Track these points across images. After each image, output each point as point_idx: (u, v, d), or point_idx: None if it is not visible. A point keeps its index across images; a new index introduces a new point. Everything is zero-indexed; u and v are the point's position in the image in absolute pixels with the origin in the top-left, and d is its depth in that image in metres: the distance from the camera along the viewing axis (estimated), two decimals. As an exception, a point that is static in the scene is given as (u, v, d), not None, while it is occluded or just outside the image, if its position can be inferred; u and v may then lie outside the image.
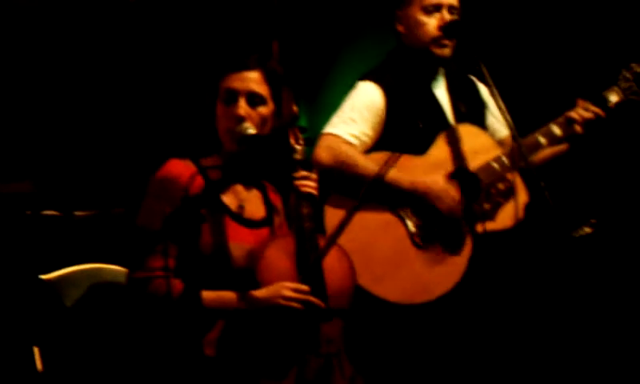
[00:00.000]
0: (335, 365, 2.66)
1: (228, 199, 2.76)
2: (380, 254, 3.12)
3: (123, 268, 2.78)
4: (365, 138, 3.24)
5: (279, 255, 2.68)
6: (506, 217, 3.22)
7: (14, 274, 3.54)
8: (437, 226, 3.18)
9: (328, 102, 3.50)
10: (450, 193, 3.17)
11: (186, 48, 4.25)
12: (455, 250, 3.17)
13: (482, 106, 3.45)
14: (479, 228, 3.18)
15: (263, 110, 2.76)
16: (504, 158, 3.23)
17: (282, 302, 2.59)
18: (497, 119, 3.43)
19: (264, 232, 2.79)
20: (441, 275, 3.13)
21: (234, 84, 2.75)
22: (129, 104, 4.19)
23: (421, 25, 3.29)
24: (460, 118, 3.32)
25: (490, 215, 3.21)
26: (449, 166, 3.22)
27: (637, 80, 3.32)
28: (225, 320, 2.64)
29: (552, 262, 3.93)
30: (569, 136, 3.29)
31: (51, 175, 3.96)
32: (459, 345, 3.19)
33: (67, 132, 4.09)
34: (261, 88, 2.77)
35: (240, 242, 2.70)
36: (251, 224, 2.78)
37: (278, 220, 2.87)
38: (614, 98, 3.32)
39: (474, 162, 3.23)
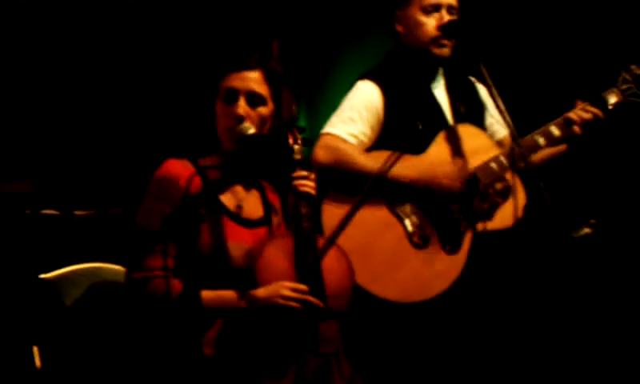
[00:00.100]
0: (334, 364, 2.66)
1: (226, 199, 2.77)
2: (378, 253, 3.13)
3: (123, 267, 2.78)
4: (363, 138, 3.25)
5: (278, 255, 2.68)
6: (503, 217, 3.23)
7: (13, 273, 3.55)
8: (435, 225, 3.19)
9: (328, 102, 3.50)
10: (456, 167, 3.18)
11: (186, 47, 4.25)
12: (453, 249, 3.18)
13: (481, 106, 3.46)
14: (477, 228, 3.19)
15: (263, 110, 2.77)
16: (502, 159, 3.23)
17: (281, 301, 2.59)
18: (496, 120, 3.43)
19: (262, 231, 2.79)
20: (438, 274, 3.14)
21: (235, 83, 2.75)
22: (128, 104, 4.19)
23: (420, 25, 3.30)
24: (459, 118, 3.33)
25: (488, 215, 3.21)
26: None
27: (636, 82, 3.32)
28: (223, 319, 2.64)
29: (551, 263, 3.93)
30: (567, 137, 3.30)
31: (51, 175, 3.96)
32: (458, 344, 3.19)
33: (67, 132, 4.09)
34: (261, 88, 2.77)
35: (238, 241, 2.71)
36: (249, 224, 2.78)
37: (277, 219, 2.87)
38: (612, 99, 3.32)
39: (473, 162, 3.23)
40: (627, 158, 3.95)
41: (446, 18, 3.28)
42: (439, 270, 3.14)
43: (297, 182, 2.76)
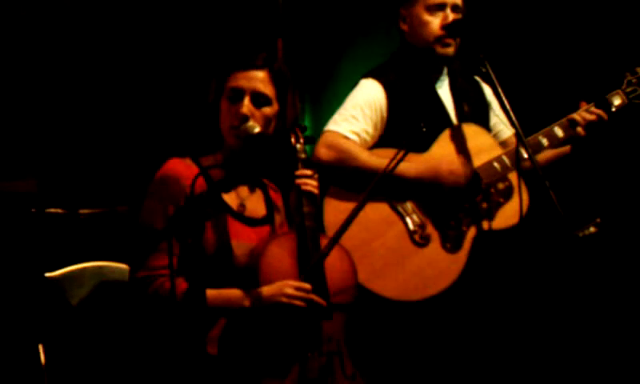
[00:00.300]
0: (337, 363, 2.66)
1: (229, 198, 2.77)
2: (378, 251, 3.13)
3: (128, 266, 2.78)
4: (366, 136, 3.25)
5: (281, 253, 2.68)
6: (505, 217, 3.23)
7: (19, 272, 3.55)
8: (436, 223, 3.18)
9: (332, 99, 3.51)
10: (460, 163, 3.18)
11: (190, 45, 4.24)
12: (454, 248, 3.18)
13: (485, 106, 3.46)
14: (479, 227, 3.19)
15: (267, 110, 2.77)
16: (505, 159, 3.23)
17: (285, 300, 2.60)
18: (500, 120, 3.43)
19: (265, 230, 2.80)
20: (439, 273, 3.14)
21: (241, 82, 2.75)
22: (132, 102, 4.19)
23: (424, 24, 3.30)
24: (463, 117, 3.33)
25: (490, 215, 3.21)
26: None
27: None
28: (227, 318, 2.65)
29: (556, 262, 3.93)
30: (571, 138, 3.29)
31: (56, 173, 3.97)
32: (460, 343, 3.20)
33: (71, 130, 4.09)
34: (266, 88, 2.77)
35: (242, 240, 2.71)
36: (252, 222, 2.78)
37: (279, 218, 2.87)
38: (617, 101, 3.32)
39: (476, 162, 3.23)
40: (632, 159, 3.95)
41: (451, 17, 3.28)
42: (440, 269, 3.15)
43: (300, 181, 2.76)
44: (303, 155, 2.82)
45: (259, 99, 2.76)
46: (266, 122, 2.76)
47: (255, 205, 2.82)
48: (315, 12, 4.62)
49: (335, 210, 3.13)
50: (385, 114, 3.27)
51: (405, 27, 3.37)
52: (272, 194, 2.91)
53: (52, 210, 3.73)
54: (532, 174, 3.16)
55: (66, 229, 3.75)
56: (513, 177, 3.24)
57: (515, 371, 3.41)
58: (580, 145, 3.32)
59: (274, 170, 2.92)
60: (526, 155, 3.14)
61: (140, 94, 4.19)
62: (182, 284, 2.61)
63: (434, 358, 3.15)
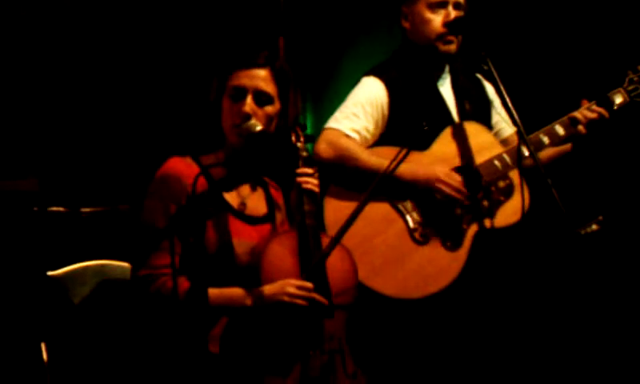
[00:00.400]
0: (338, 361, 2.67)
1: (230, 196, 2.77)
2: (378, 249, 3.13)
3: (129, 264, 2.79)
4: (366, 134, 3.25)
5: (282, 252, 2.68)
6: (505, 215, 3.22)
7: (21, 270, 3.55)
8: (436, 221, 3.18)
9: (334, 98, 3.50)
10: (454, 178, 3.17)
11: (191, 44, 4.24)
12: (454, 246, 3.17)
13: (487, 104, 3.45)
14: (479, 225, 3.19)
15: (269, 108, 2.77)
16: (506, 157, 3.23)
17: (287, 299, 2.60)
18: (502, 118, 3.42)
19: (266, 228, 2.80)
20: (439, 271, 3.14)
21: (243, 81, 2.75)
22: (134, 101, 4.19)
23: (426, 21, 3.29)
24: (464, 115, 3.32)
25: (490, 213, 3.21)
26: (452, 162, 3.22)
27: None
28: (229, 317, 2.65)
29: (558, 259, 3.93)
30: (572, 136, 3.29)
31: (57, 172, 3.97)
32: (460, 341, 3.20)
33: (73, 129, 4.09)
34: (268, 87, 2.77)
35: (243, 238, 2.71)
36: (253, 221, 2.78)
37: (280, 216, 2.88)
38: (618, 99, 3.31)
39: (477, 160, 3.23)
40: (634, 157, 3.95)
41: (453, 14, 3.27)
42: (440, 267, 3.14)
43: (300, 179, 2.76)
44: (305, 153, 2.82)
45: (261, 98, 2.76)
46: (268, 120, 2.77)
47: (256, 203, 2.83)
48: (317, 10, 4.61)
49: (335, 209, 3.13)
50: (386, 112, 3.27)
51: (406, 25, 3.36)
52: (273, 192, 2.91)
53: (54, 209, 3.74)
54: (533, 172, 3.16)
55: (67, 227, 3.75)
56: (513, 175, 3.24)
57: (516, 369, 3.41)
58: (581, 143, 3.31)
59: (276, 169, 2.92)
60: (527, 153, 3.14)
61: (142, 92, 4.19)
62: (183, 283, 2.61)
63: (435, 355, 3.15)
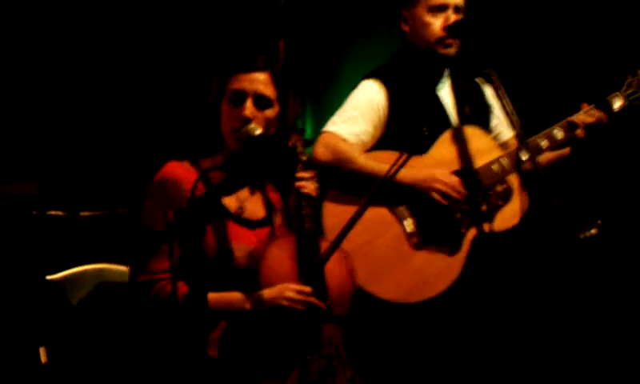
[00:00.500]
0: (336, 366, 2.67)
1: (228, 200, 2.77)
2: (376, 253, 3.13)
3: (128, 268, 2.79)
4: (365, 137, 3.25)
5: (281, 256, 2.68)
6: (503, 219, 3.22)
7: (19, 274, 3.55)
8: (434, 225, 3.18)
9: (334, 101, 3.49)
10: (453, 183, 3.17)
11: (191, 48, 4.24)
12: (452, 250, 3.17)
13: (486, 108, 3.45)
14: (477, 229, 3.18)
15: (269, 112, 2.77)
16: (505, 160, 3.22)
17: (285, 303, 2.60)
18: (501, 122, 3.42)
19: (265, 232, 2.80)
20: (437, 275, 3.14)
21: (243, 85, 2.75)
22: (133, 104, 4.19)
23: (426, 25, 3.29)
24: (463, 119, 3.32)
25: (488, 217, 3.21)
26: (451, 166, 3.22)
27: None
28: (228, 321, 2.64)
29: (557, 263, 3.92)
30: (570, 140, 3.28)
31: (56, 176, 3.97)
32: (459, 345, 3.19)
33: (72, 133, 4.09)
34: (268, 90, 2.77)
35: (242, 242, 2.71)
36: (252, 224, 2.79)
37: (278, 219, 2.87)
38: (617, 103, 3.30)
39: (475, 163, 3.22)
40: (633, 161, 3.94)
41: (453, 18, 3.27)
42: (438, 271, 3.14)
43: (299, 183, 2.76)
44: (304, 157, 2.82)
45: (261, 101, 2.76)
46: (268, 124, 2.77)
47: (254, 207, 2.82)
48: (317, 13, 4.61)
49: (334, 213, 3.13)
50: (385, 116, 3.27)
51: (406, 28, 3.36)
52: (271, 195, 2.91)
53: (53, 213, 3.74)
54: (532, 177, 3.16)
55: (66, 231, 3.75)
56: (512, 179, 3.23)
57: (515, 374, 3.41)
58: (580, 147, 3.31)
59: (275, 172, 2.91)
60: (526, 157, 3.14)
61: (141, 96, 4.19)
62: (182, 287, 2.61)
63: (433, 360, 3.15)
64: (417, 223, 3.18)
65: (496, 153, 3.26)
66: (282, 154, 2.80)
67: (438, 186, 3.16)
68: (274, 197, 2.92)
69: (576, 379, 3.83)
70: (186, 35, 4.25)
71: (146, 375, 2.69)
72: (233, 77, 2.78)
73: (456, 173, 3.21)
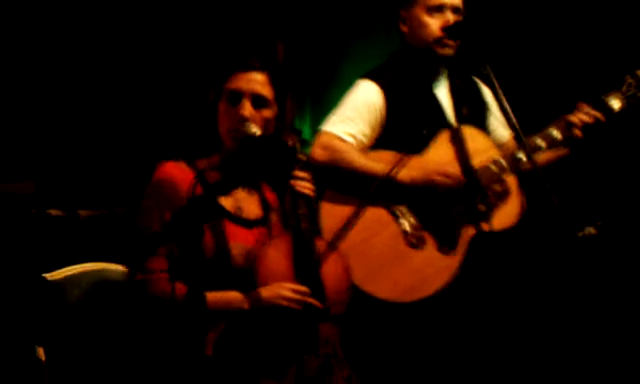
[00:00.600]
0: (334, 365, 2.67)
1: (225, 200, 2.77)
2: (373, 252, 3.13)
3: (126, 267, 2.79)
4: (362, 138, 3.25)
5: (277, 256, 2.69)
6: (501, 219, 3.22)
7: (18, 273, 3.56)
8: (432, 225, 3.18)
9: (333, 100, 3.49)
10: (450, 169, 3.17)
11: (190, 47, 4.25)
12: (449, 249, 3.17)
13: (484, 107, 3.45)
14: (475, 229, 3.19)
15: (267, 112, 2.78)
16: (502, 161, 3.22)
17: (282, 302, 2.61)
18: (499, 122, 3.42)
19: (261, 231, 2.80)
20: (433, 275, 3.14)
21: (240, 85, 2.76)
22: (131, 104, 4.20)
23: (424, 25, 3.30)
24: (461, 119, 3.32)
25: (486, 217, 3.21)
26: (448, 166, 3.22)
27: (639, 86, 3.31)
28: (225, 320, 2.65)
29: (556, 263, 3.92)
30: (568, 140, 3.28)
31: (54, 175, 3.97)
32: (455, 344, 3.19)
33: (70, 132, 4.10)
34: (265, 90, 2.78)
35: (239, 242, 2.72)
36: (249, 224, 2.79)
37: (275, 218, 2.87)
38: (615, 103, 3.30)
39: (473, 163, 3.22)
40: (632, 160, 3.94)
41: (451, 18, 3.27)
42: (435, 271, 3.14)
43: (295, 183, 2.77)
44: (303, 157, 2.82)
45: (259, 101, 2.77)
46: (266, 124, 2.77)
47: (251, 206, 2.83)
48: (316, 14, 4.61)
49: (331, 214, 3.13)
50: (382, 116, 3.27)
51: (405, 29, 3.37)
52: (268, 195, 2.91)
53: (51, 212, 3.74)
54: (529, 176, 3.16)
55: (65, 230, 3.76)
56: (510, 179, 3.24)
57: (512, 373, 3.41)
58: (577, 146, 3.31)
59: (271, 172, 2.92)
60: (523, 157, 3.15)
61: (139, 95, 4.20)
62: (180, 287, 2.60)
63: (430, 358, 3.15)
64: (414, 222, 3.19)
65: (493, 153, 3.26)
66: (279, 154, 2.80)
67: (438, 177, 3.16)
68: (271, 196, 2.92)
69: (573, 378, 3.83)
70: (184, 35, 4.25)
71: (144, 374, 2.69)
72: (230, 77, 2.78)
73: None
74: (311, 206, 2.76)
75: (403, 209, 3.20)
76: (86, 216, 3.79)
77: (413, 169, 3.16)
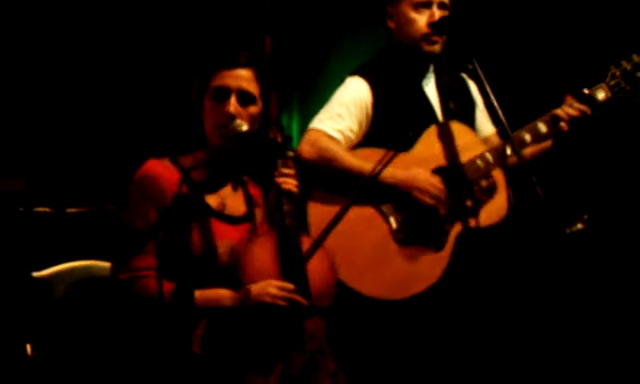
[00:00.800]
0: (320, 361, 2.68)
1: (210, 197, 2.77)
2: (361, 250, 3.12)
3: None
4: (350, 134, 3.25)
5: (262, 254, 2.68)
6: (488, 214, 3.22)
7: (6, 271, 3.56)
8: (419, 223, 3.18)
9: (321, 97, 3.50)
10: (434, 182, 3.17)
11: (176, 44, 4.24)
12: (437, 247, 3.17)
13: (471, 103, 3.45)
14: (462, 225, 3.19)
15: (253, 109, 2.77)
16: (488, 156, 3.22)
17: (268, 299, 2.61)
18: (485, 117, 3.43)
19: (246, 227, 2.80)
20: (422, 272, 3.13)
21: (226, 81, 2.76)
22: (120, 101, 4.20)
23: (411, 21, 3.29)
24: (449, 115, 3.32)
25: (473, 212, 3.21)
26: (434, 162, 3.22)
27: (625, 77, 3.30)
28: (212, 317, 2.65)
29: (544, 258, 3.93)
30: (554, 133, 3.29)
31: (43, 172, 3.97)
32: (443, 341, 3.20)
33: (59, 129, 4.09)
34: (251, 86, 2.77)
35: (225, 239, 2.72)
36: (234, 220, 2.78)
37: (260, 214, 2.87)
38: (600, 95, 3.30)
39: (460, 159, 3.22)
40: (619, 154, 3.95)
41: (437, 14, 3.27)
42: (423, 268, 3.14)
43: (279, 180, 2.77)
44: (291, 153, 2.83)
45: (245, 98, 2.77)
46: (252, 120, 2.77)
47: (235, 202, 2.82)
48: (303, 9, 4.61)
49: (319, 212, 3.12)
50: (370, 112, 3.27)
51: (392, 25, 3.37)
52: (252, 190, 2.91)
53: (40, 209, 3.74)
54: (515, 171, 3.17)
55: (53, 228, 3.75)
56: (497, 174, 3.24)
57: (500, 371, 3.41)
58: (563, 140, 3.31)
59: (256, 168, 2.92)
60: (510, 152, 3.15)
61: (127, 92, 4.19)
62: (167, 284, 2.60)
63: (416, 356, 3.15)
64: (402, 220, 3.19)
65: (480, 148, 3.26)
66: (264, 150, 2.80)
67: (418, 195, 3.16)
68: (255, 192, 2.92)
69: (564, 376, 3.84)
70: (169, 31, 4.24)
71: (132, 372, 2.69)
72: (216, 73, 2.77)
73: (440, 168, 3.22)
74: (296, 202, 2.76)
75: (391, 207, 3.20)
76: (74, 213, 3.79)
77: (398, 167, 3.16)
